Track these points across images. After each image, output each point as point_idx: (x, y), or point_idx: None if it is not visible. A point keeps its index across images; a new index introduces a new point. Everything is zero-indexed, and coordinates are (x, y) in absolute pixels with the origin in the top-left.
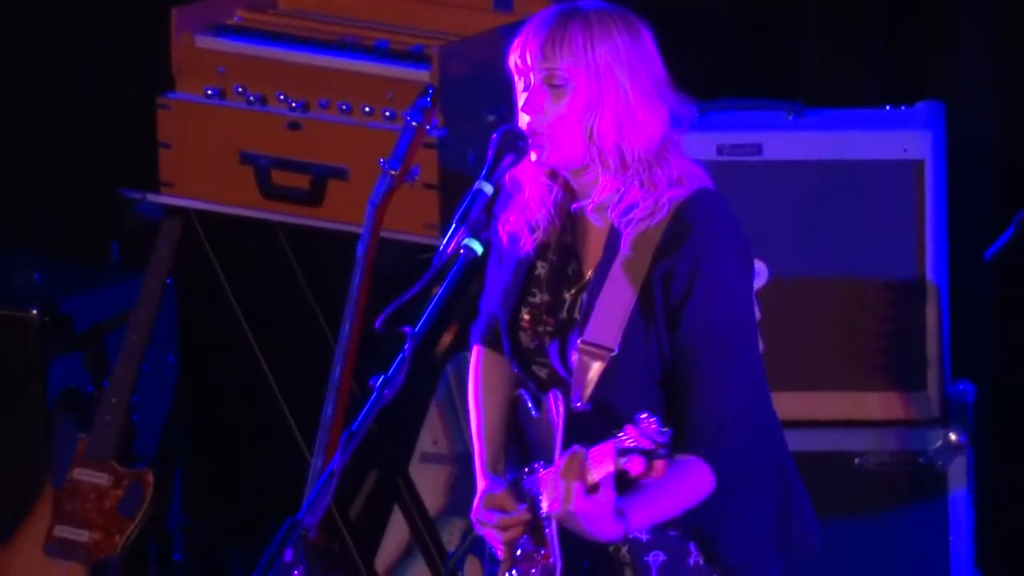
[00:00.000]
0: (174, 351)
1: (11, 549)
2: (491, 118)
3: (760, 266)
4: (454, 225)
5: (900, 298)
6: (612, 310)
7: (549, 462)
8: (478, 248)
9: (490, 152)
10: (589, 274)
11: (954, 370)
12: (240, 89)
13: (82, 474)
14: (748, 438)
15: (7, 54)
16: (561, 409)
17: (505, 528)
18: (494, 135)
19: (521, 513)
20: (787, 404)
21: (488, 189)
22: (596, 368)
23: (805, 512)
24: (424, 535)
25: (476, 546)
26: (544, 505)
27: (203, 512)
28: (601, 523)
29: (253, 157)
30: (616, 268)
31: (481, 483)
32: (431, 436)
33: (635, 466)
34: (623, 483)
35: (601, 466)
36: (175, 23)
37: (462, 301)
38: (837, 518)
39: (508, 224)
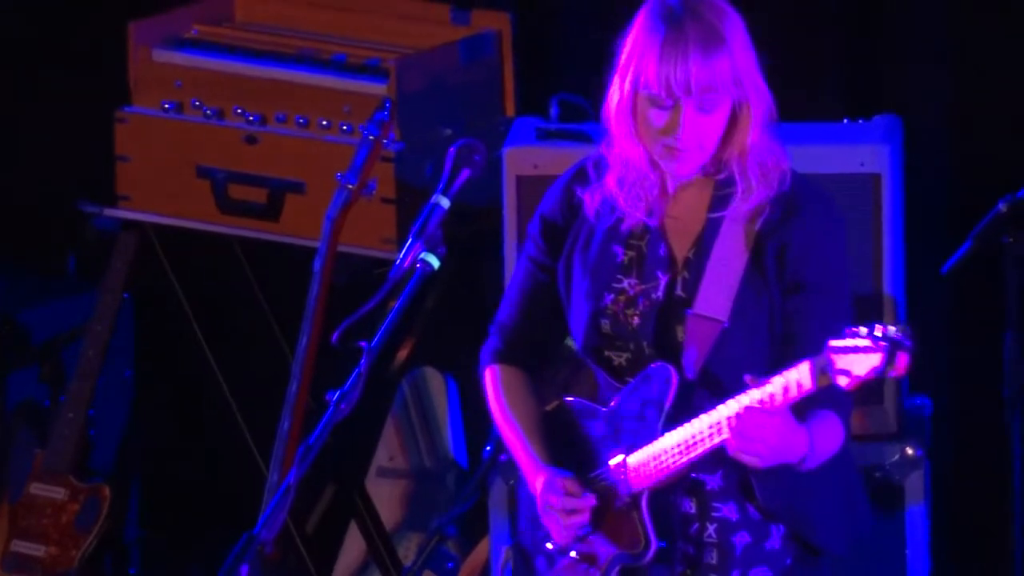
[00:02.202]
0: (131, 365)
1: None
2: (448, 132)
3: None
4: (410, 239)
5: (857, 312)
6: (721, 284)
7: (632, 449)
8: (434, 262)
9: (447, 166)
10: (687, 254)
11: (911, 384)
12: (197, 103)
13: (39, 488)
14: (850, 407)
15: None
16: (674, 381)
17: (570, 512)
18: (451, 149)
19: (588, 498)
20: None
21: (445, 203)
22: (707, 341)
23: (863, 493)
24: (380, 549)
25: (432, 560)
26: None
27: (160, 526)
28: (788, 431)
29: (210, 171)
30: (720, 245)
31: (540, 475)
32: (387, 451)
33: (861, 366)
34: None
35: (786, 393)
36: (132, 37)
37: (418, 315)
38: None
39: (620, 202)
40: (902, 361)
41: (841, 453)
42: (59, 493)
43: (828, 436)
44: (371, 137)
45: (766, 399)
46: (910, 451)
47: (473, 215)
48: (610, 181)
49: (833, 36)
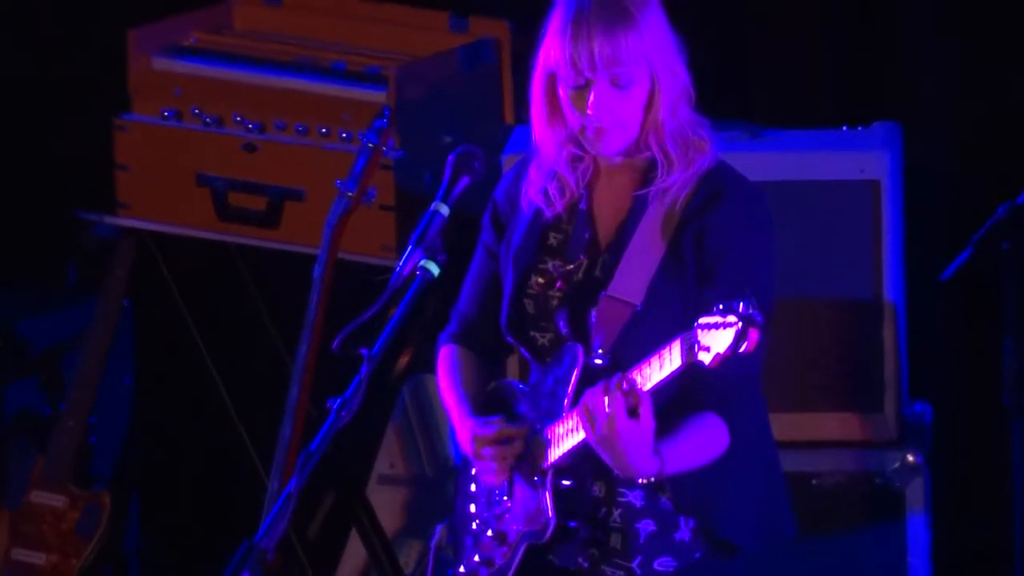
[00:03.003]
0: (131, 373)
1: None
2: (447, 139)
3: None
4: (410, 247)
5: (857, 319)
6: (638, 268)
7: (543, 427)
8: (434, 270)
9: (446, 173)
10: (610, 237)
11: (911, 391)
12: (197, 111)
13: (39, 496)
14: (754, 407)
15: None
16: (579, 361)
17: (503, 439)
18: (450, 156)
19: (519, 428)
20: None
21: (444, 210)
22: (618, 323)
23: (784, 497)
24: (381, 557)
25: (433, 569)
26: (585, 429)
27: (160, 534)
28: (640, 451)
29: (210, 179)
30: (642, 230)
31: (467, 423)
32: (388, 458)
33: (720, 342)
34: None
35: (659, 370)
36: (131, 45)
37: (418, 323)
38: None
39: (531, 192)
40: (753, 336)
41: (761, 453)
42: (59, 501)
43: (699, 442)
44: (370, 144)
45: (642, 377)
46: (911, 458)
47: (472, 222)
48: (532, 170)
49: (832, 43)
